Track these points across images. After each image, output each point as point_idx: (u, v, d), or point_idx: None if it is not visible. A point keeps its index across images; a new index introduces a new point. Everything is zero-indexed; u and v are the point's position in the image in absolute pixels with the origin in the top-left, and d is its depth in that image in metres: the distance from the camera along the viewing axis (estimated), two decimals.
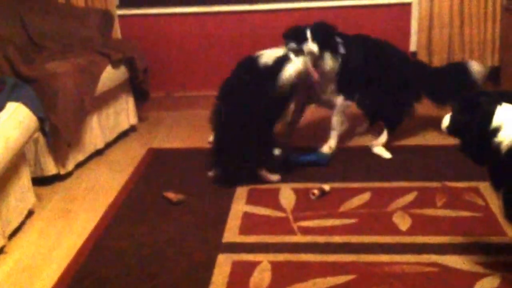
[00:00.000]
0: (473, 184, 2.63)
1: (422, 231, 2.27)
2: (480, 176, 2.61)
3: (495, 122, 1.79)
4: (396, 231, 2.29)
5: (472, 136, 1.84)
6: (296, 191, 2.68)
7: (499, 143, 1.77)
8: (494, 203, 2.42)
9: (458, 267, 2.02)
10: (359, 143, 3.23)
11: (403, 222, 2.35)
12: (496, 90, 1.95)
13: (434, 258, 2.08)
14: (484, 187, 2.58)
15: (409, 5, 3.83)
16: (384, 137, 3.12)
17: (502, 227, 2.25)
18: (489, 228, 2.27)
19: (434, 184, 2.67)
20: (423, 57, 3.78)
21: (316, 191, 2.61)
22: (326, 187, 2.65)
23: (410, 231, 2.28)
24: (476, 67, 3.09)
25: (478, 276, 1.96)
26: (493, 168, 1.87)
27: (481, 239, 2.20)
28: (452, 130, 1.95)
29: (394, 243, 2.20)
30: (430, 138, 3.28)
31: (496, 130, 1.78)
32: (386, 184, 2.70)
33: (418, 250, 2.14)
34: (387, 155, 3.04)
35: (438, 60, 3.78)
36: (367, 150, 3.10)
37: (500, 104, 1.81)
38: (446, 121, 1.97)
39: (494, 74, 3.70)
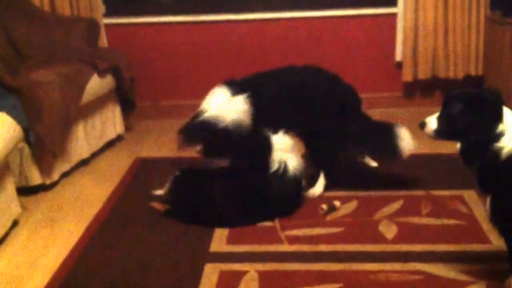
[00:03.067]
0: (457, 192, 2.66)
1: (407, 240, 2.29)
2: (464, 184, 2.66)
3: (502, 125, 1.70)
4: (382, 239, 2.30)
5: (477, 137, 1.73)
6: None
7: (500, 148, 1.69)
8: (478, 211, 2.45)
9: (443, 275, 2.04)
10: None
11: (389, 230, 2.37)
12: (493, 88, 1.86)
13: (419, 266, 2.10)
14: (468, 195, 2.62)
15: (394, 15, 3.88)
16: None
17: (486, 235, 2.27)
18: (474, 236, 2.29)
19: (419, 193, 2.69)
20: (408, 67, 3.83)
21: (324, 206, 2.52)
22: (337, 203, 2.55)
23: (396, 240, 2.29)
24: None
25: (463, 284, 1.98)
26: (484, 172, 1.78)
27: (465, 247, 2.22)
28: (446, 132, 1.80)
29: (380, 252, 2.21)
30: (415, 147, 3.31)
31: (500, 134, 1.70)
32: (372, 193, 2.72)
33: (404, 258, 2.16)
34: (373, 163, 3.06)
35: (423, 70, 3.83)
36: (354, 159, 3.11)
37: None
38: (433, 123, 1.82)
39: (478, 83, 3.77)
